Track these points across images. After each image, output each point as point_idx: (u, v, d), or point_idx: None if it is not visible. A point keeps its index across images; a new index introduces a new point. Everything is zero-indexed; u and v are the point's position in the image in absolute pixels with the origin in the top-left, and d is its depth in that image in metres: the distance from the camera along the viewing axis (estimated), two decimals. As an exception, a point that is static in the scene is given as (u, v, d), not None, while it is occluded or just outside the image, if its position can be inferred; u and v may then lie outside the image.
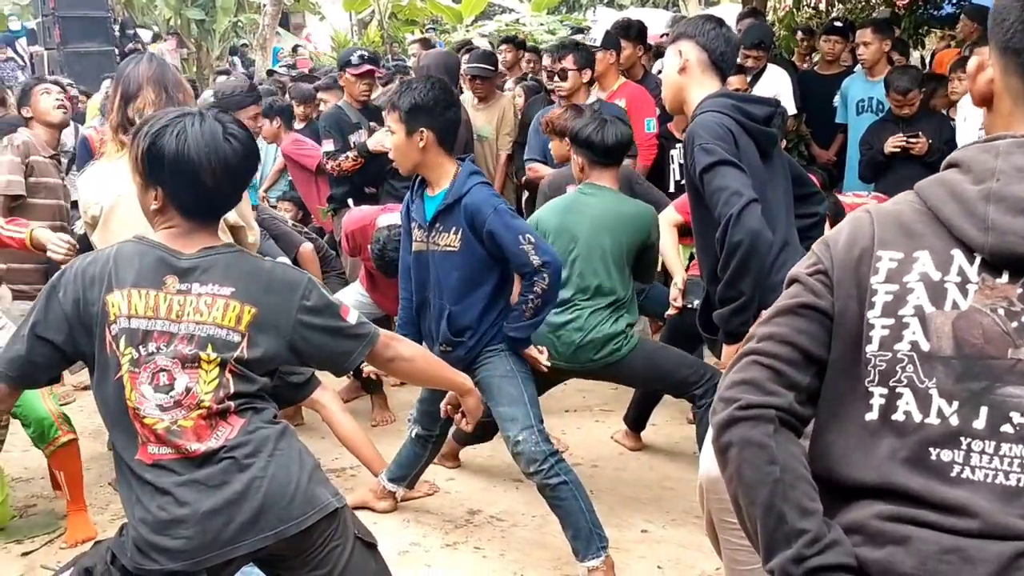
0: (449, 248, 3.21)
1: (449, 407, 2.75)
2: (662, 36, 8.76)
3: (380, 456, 3.92)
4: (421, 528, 3.72)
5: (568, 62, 5.22)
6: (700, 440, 3.64)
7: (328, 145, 5.41)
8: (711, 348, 3.17)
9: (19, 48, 14.65)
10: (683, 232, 4.22)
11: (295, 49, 16.09)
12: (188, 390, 1.98)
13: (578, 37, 7.53)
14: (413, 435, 3.71)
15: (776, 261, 2.75)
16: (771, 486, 1.34)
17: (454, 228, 3.18)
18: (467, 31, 15.10)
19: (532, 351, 3.31)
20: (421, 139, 3.15)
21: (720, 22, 2.97)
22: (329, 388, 3.93)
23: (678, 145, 5.47)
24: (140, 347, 1.98)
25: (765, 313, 1.47)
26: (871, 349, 1.35)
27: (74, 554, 3.43)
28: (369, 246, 4.41)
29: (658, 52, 8.44)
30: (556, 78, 5.35)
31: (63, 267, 2.08)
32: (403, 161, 3.25)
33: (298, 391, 3.79)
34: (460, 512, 3.85)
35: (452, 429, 3.81)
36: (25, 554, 3.68)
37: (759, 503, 1.35)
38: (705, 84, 2.88)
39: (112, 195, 3.00)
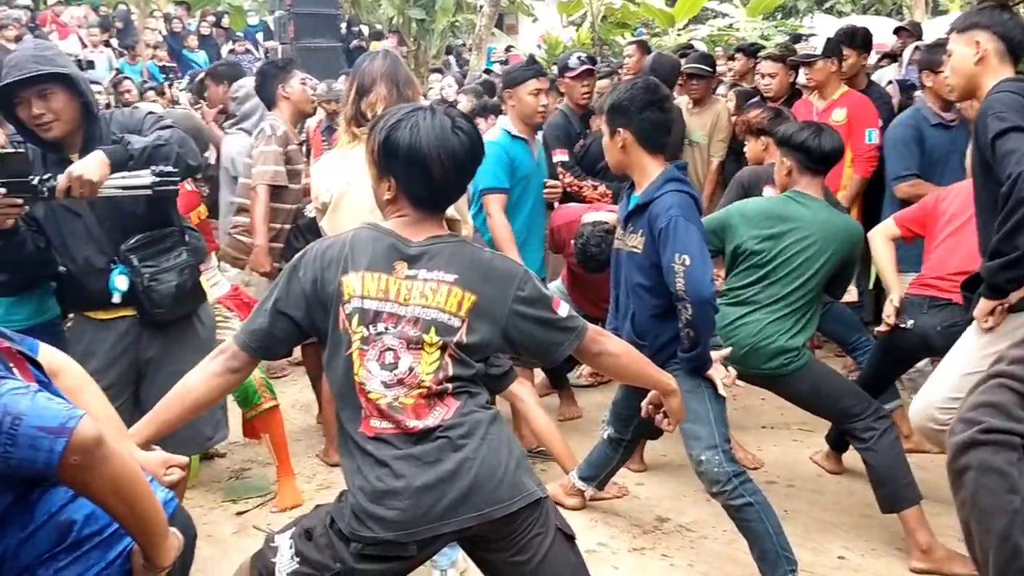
0: (634, 250, 3.21)
1: (651, 407, 2.74)
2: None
3: (571, 453, 3.96)
4: (608, 529, 3.74)
5: (775, 66, 5.16)
6: (876, 486, 3.46)
7: (561, 155, 5.21)
8: (966, 309, 3.15)
9: (257, 43, 15.73)
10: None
11: (508, 49, 16.45)
12: (411, 370, 2.08)
13: (797, 45, 7.27)
14: (606, 436, 3.73)
15: None
16: (1010, 516, 1.27)
17: (640, 231, 3.17)
18: (678, 35, 14.95)
19: (712, 373, 3.16)
20: (621, 139, 3.16)
21: (1011, 10, 2.91)
22: (527, 382, 4.01)
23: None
24: (370, 326, 2.09)
25: (1020, 334, 1.39)
26: None
27: (283, 518, 3.68)
28: (572, 241, 4.46)
29: (887, 56, 8.08)
30: (764, 80, 5.39)
31: (304, 249, 2.23)
32: (609, 161, 3.29)
33: (497, 382, 3.88)
34: (648, 518, 3.84)
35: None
36: (239, 514, 3.96)
37: (994, 532, 1.28)
38: (1000, 72, 2.98)
39: (342, 184, 3.17)
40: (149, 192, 2.89)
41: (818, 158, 3.58)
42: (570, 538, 2.22)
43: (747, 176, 4.63)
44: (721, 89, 7.43)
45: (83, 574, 1.69)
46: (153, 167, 2.89)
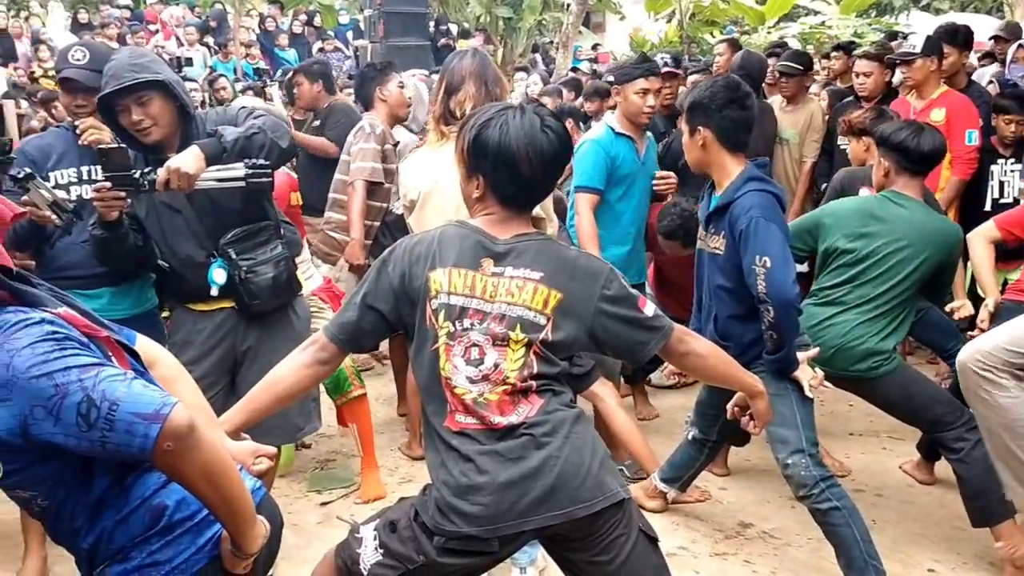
0: (716, 251, 3.18)
1: (737, 408, 2.70)
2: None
3: (653, 454, 3.93)
4: (690, 533, 3.70)
5: (871, 65, 5.02)
6: (967, 499, 3.34)
7: None
8: None
9: (347, 41, 15.99)
10: (1001, 256, 3.91)
11: (595, 47, 16.40)
12: (496, 366, 2.09)
13: (893, 43, 7.07)
14: (690, 437, 3.69)
15: None
16: None
17: (722, 232, 3.14)
18: (768, 33, 14.70)
19: (799, 374, 3.10)
20: (701, 138, 3.13)
21: None
22: (608, 383, 3.99)
23: (999, 160, 5.08)
24: (456, 322, 2.10)
25: None
26: None
27: (366, 510, 3.73)
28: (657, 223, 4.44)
29: (987, 55, 7.81)
30: (859, 79, 5.26)
31: (393, 244, 2.26)
32: (689, 159, 3.26)
33: (578, 382, 3.87)
34: (731, 523, 3.78)
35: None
36: (323, 504, 4.03)
37: None
38: None
39: (429, 182, 3.20)
40: (242, 184, 2.96)
41: (916, 159, 3.47)
42: (653, 540, 2.21)
43: (843, 178, 4.53)
44: (814, 88, 7.29)
45: (174, 558, 1.74)
46: (246, 160, 2.96)
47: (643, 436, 4.02)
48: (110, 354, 1.77)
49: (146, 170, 2.93)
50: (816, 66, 8.29)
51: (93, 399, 1.53)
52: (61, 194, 3.00)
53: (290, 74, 7.53)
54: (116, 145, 2.99)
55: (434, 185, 3.18)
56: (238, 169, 2.95)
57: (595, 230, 4.10)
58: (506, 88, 3.39)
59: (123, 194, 2.94)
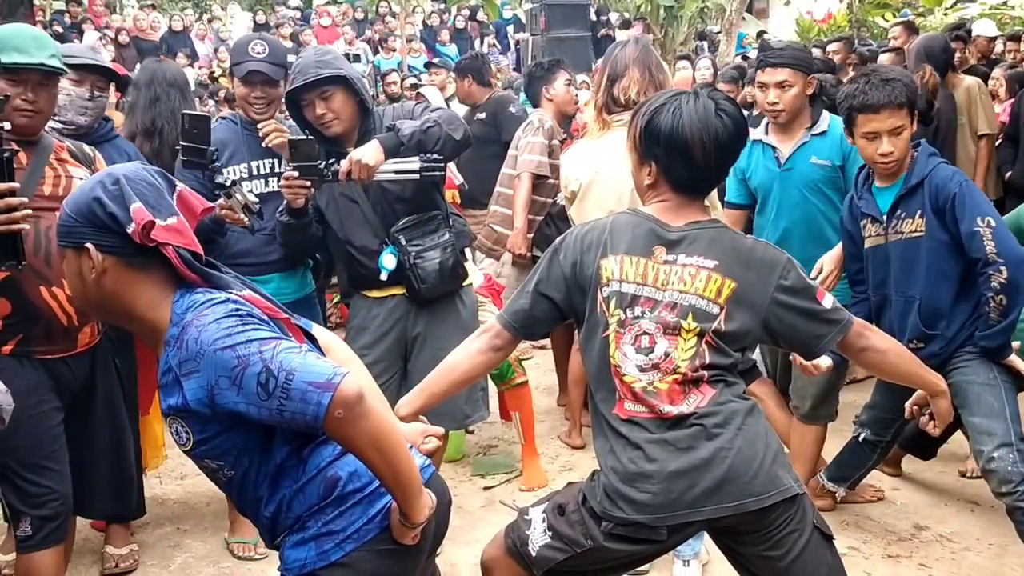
0: (915, 234, 3.05)
1: (915, 408, 2.59)
2: None
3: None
4: (861, 534, 3.57)
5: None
6: None
7: None
8: None
9: (508, 34, 16.17)
10: None
11: (760, 34, 15.95)
12: (667, 355, 2.08)
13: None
14: (861, 439, 3.56)
15: None
16: None
17: (919, 212, 3.03)
18: (945, 14, 13.92)
19: (1015, 360, 2.99)
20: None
21: None
22: (768, 382, 3.90)
23: None
24: (627, 310, 2.11)
25: None
26: None
27: (529, 496, 3.79)
28: None
29: None
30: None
31: (564, 233, 2.28)
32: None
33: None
34: (905, 525, 3.63)
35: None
36: (487, 488, 4.12)
37: None
38: None
39: (590, 172, 3.21)
40: (417, 176, 3.08)
41: None
42: (828, 538, 2.15)
43: None
44: (996, 71, 6.87)
45: (347, 527, 1.82)
46: (421, 154, 3.07)
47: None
48: (289, 334, 1.87)
49: (330, 161, 3.09)
50: (1000, 47, 7.79)
51: (271, 369, 1.64)
52: (252, 198, 3.17)
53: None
54: (304, 137, 3.16)
55: (595, 176, 3.18)
56: (414, 162, 3.07)
57: None
58: (668, 75, 3.35)
59: (309, 183, 3.10)
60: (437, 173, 3.09)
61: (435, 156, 3.08)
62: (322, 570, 1.81)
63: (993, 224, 2.89)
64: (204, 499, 4.03)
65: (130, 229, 1.74)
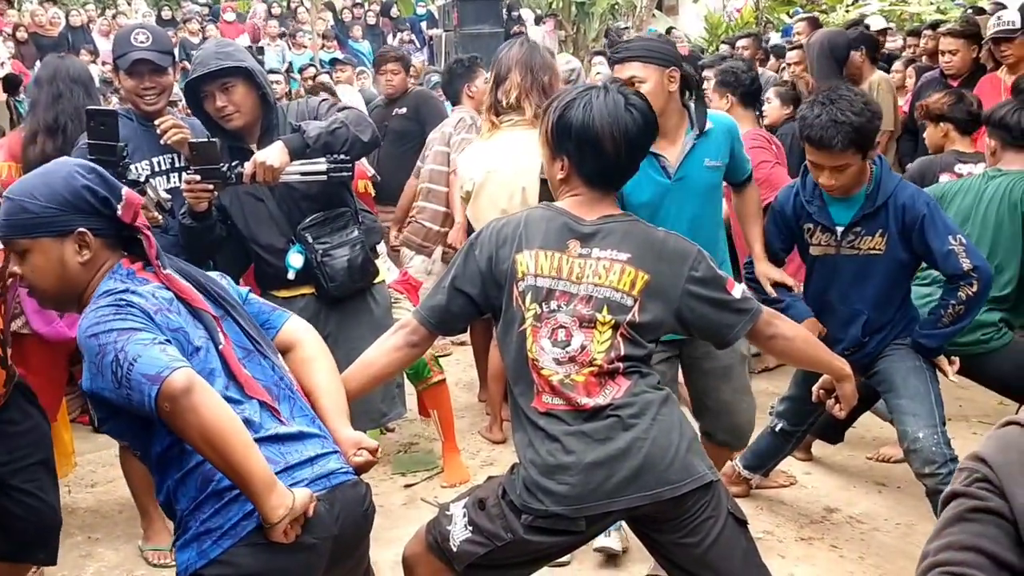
0: (874, 252, 3.10)
1: (822, 392, 2.66)
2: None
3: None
4: (775, 518, 3.66)
5: (956, 42, 4.85)
6: None
7: None
8: None
9: (422, 30, 16.09)
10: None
11: (669, 31, 16.18)
12: (583, 347, 2.10)
13: (980, 19, 6.83)
14: (777, 429, 3.64)
15: None
16: None
17: (880, 231, 3.07)
18: (847, 11, 14.33)
19: (942, 361, 3.13)
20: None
21: None
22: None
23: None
24: (543, 304, 2.12)
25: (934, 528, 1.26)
26: None
27: (450, 493, 3.78)
28: None
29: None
30: (944, 57, 5.08)
31: (480, 228, 2.29)
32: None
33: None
34: (816, 508, 3.74)
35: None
36: (407, 486, 4.09)
37: None
38: None
39: (483, 172, 3.23)
40: (324, 177, 3.06)
41: (1020, 133, 3.49)
42: (743, 523, 2.20)
43: (919, 168, 4.40)
44: (897, 65, 7.11)
45: (223, 524, 1.82)
46: (328, 155, 3.04)
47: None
48: (218, 329, 1.93)
49: (233, 163, 3.03)
50: (898, 43, 8.04)
51: (119, 359, 1.71)
52: (164, 195, 3.08)
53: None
54: (206, 139, 3.08)
55: (488, 175, 3.21)
56: (321, 164, 3.04)
57: None
58: (557, 75, 3.36)
59: (211, 186, 3.02)
60: (345, 174, 3.07)
61: (343, 157, 3.05)
62: (204, 568, 1.82)
63: (964, 241, 2.98)
64: (116, 506, 3.92)
65: (119, 211, 1.90)
